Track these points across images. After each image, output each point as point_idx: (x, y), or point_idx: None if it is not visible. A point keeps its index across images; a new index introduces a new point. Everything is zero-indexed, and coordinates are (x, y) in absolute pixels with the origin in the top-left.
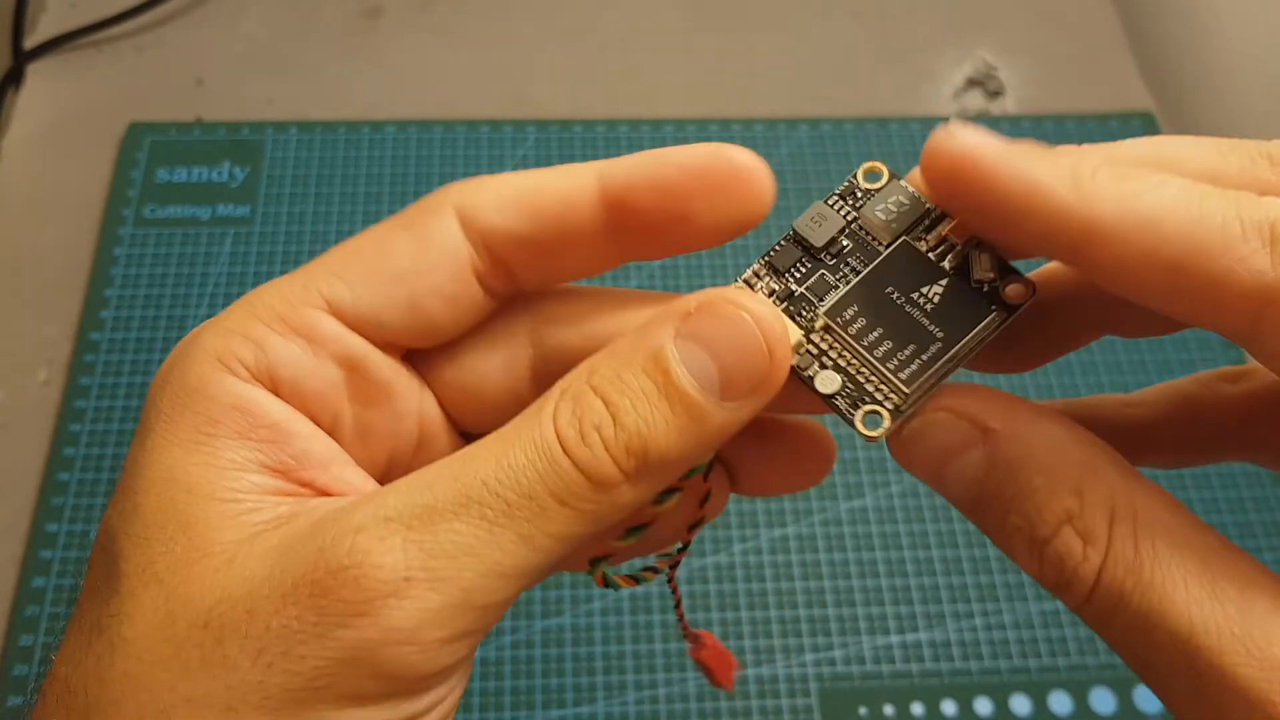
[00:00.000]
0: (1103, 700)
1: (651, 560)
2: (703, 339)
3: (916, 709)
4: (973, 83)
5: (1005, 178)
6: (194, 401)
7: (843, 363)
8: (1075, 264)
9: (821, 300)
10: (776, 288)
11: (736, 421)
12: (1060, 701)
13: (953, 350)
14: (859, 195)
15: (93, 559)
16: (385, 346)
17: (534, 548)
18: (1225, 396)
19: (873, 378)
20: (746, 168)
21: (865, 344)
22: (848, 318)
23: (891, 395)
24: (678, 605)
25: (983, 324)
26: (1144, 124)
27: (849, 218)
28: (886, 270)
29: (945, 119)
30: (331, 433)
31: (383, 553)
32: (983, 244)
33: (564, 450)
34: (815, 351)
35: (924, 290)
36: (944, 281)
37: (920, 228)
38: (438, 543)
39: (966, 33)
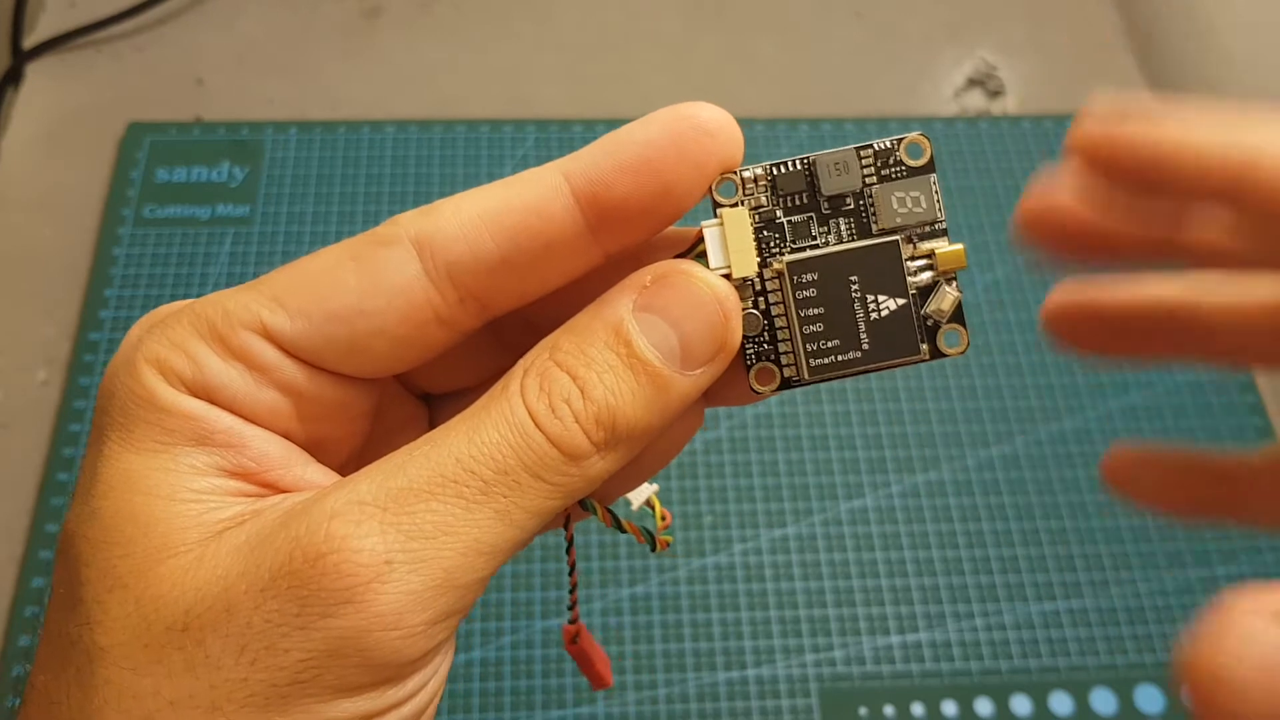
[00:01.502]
0: (1103, 700)
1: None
2: (661, 310)
3: (917, 709)
4: (973, 82)
5: (1170, 130)
6: (146, 411)
7: (773, 312)
8: (1230, 198)
9: (794, 246)
10: (764, 203)
11: (697, 389)
12: (1061, 702)
13: (866, 366)
14: (889, 165)
15: (56, 565)
16: (328, 371)
17: (511, 523)
18: None
19: (786, 343)
20: (712, 120)
21: (801, 315)
22: (804, 281)
23: (790, 368)
24: (573, 589)
25: (906, 357)
26: None
27: (868, 182)
28: (864, 257)
29: (946, 119)
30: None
31: (361, 536)
32: (954, 281)
33: (536, 424)
34: (757, 287)
35: (879, 299)
36: (900, 302)
37: (918, 234)
38: (415, 523)
39: (966, 32)
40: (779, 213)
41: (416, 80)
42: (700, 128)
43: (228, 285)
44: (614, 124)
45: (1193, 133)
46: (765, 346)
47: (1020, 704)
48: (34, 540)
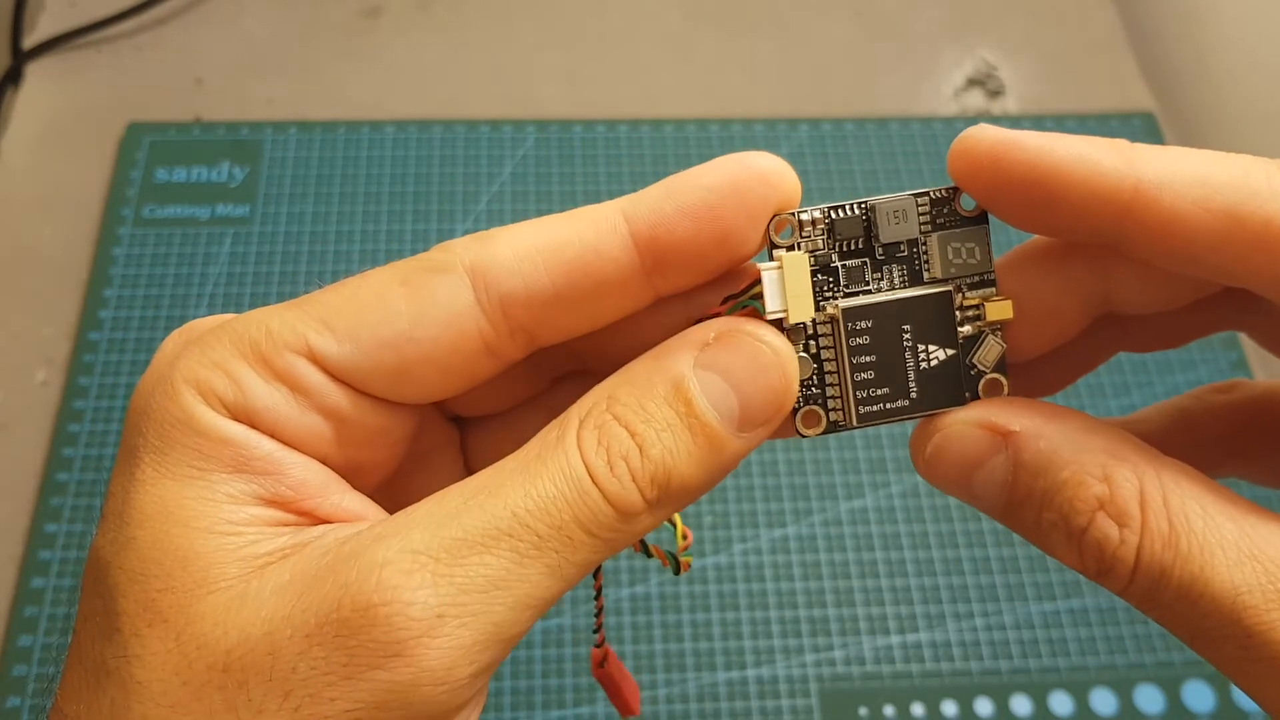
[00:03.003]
0: (1103, 701)
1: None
2: (723, 370)
3: (917, 709)
4: (973, 82)
5: (1052, 152)
6: (182, 435)
7: (823, 355)
8: (1119, 232)
9: (848, 291)
10: (821, 246)
11: (748, 449)
12: (1061, 702)
13: (913, 414)
14: (945, 214)
15: (86, 590)
16: (375, 399)
17: (560, 578)
18: (1215, 407)
19: (836, 388)
20: (773, 171)
21: (854, 361)
22: (858, 328)
23: (838, 413)
24: (599, 613)
25: (952, 406)
26: (1144, 123)
27: (924, 231)
28: (916, 307)
29: (946, 119)
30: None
31: (414, 589)
32: (1000, 333)
33: (594, 481)
34: (809, 331)
35: (930, 349)
36: (950, 352)
37: (968, 283)
38: (469, 577)
39: (967, 32)
40: (834, 257)
41: (416, 80)
42: (762, 177)
43: (227, 285)
44: (613, 124)
45: (1086, 150)
46: (814, 390)
47: (1020, 704)
48: (34, 540)
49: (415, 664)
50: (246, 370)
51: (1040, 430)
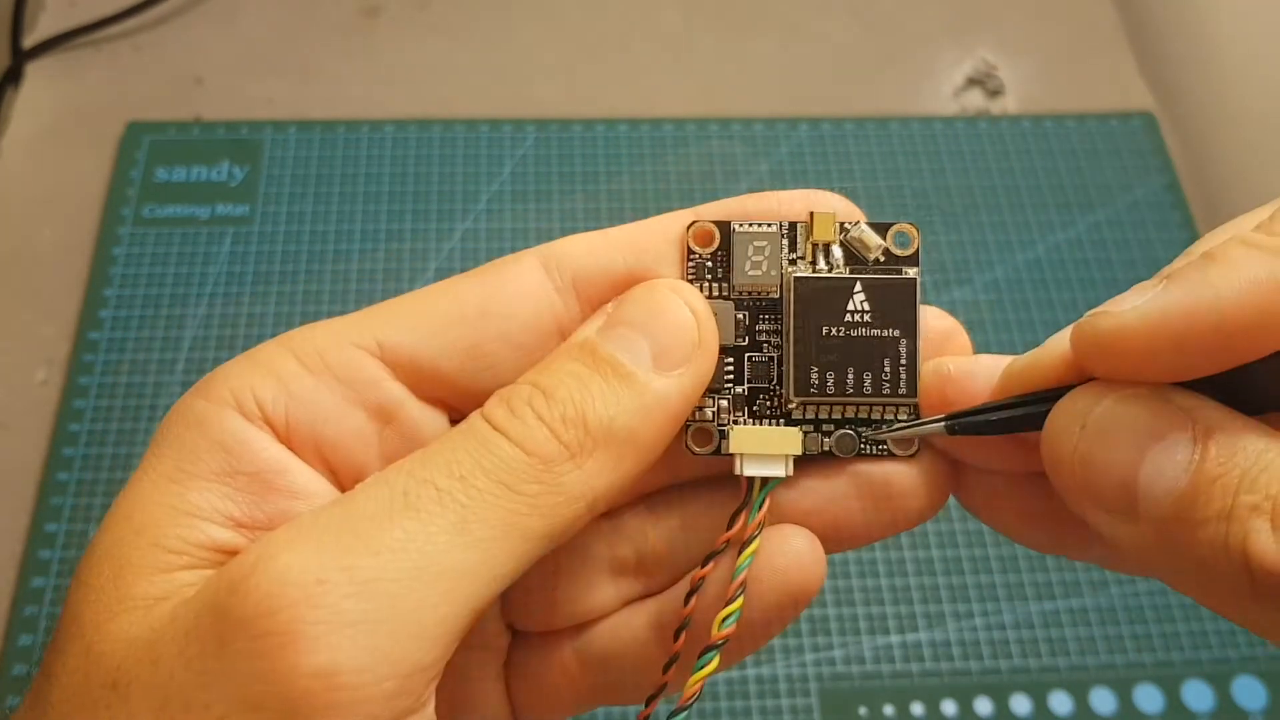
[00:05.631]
0: (1103, 700)
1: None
2: (625, 322)
3: (916, 709)
4: (973, 82)
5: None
6: (186, 432)
7: (839, 414)
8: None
9: (778, 385)
10: (725, 404)
11: (682, 391)
12: (1060, 701)
13: (917, 336)
14: (707, 269)
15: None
16: (435, 402)
17: (472, 539)
18: None
19: (875, 408)
20: (839, 212)
21: (849, 391)
22: (815, 383)
23: (903, 410)
24: None
25: (912, 291)
26: (1144, 123)
27: (726, 296)
28: (806, 312)
29: (946, 118)
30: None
31: (291, 553)
32: (844, 226)
33: (494, 427)
34: (815, 430)
35: (850, 307)
36: (857, 286)
37: (792, 254)
38: (356, 537)
39: (966, 32)
40: (737, 388)
41: (416, 79)
42: (825, 204)
43: (227, 285)
44: (613, 123)
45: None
46: (868, 437)
47: (1020, 703)
48: (33, 540)
49: (290, 644)
50: (295, 368)
51: (1224, 425)
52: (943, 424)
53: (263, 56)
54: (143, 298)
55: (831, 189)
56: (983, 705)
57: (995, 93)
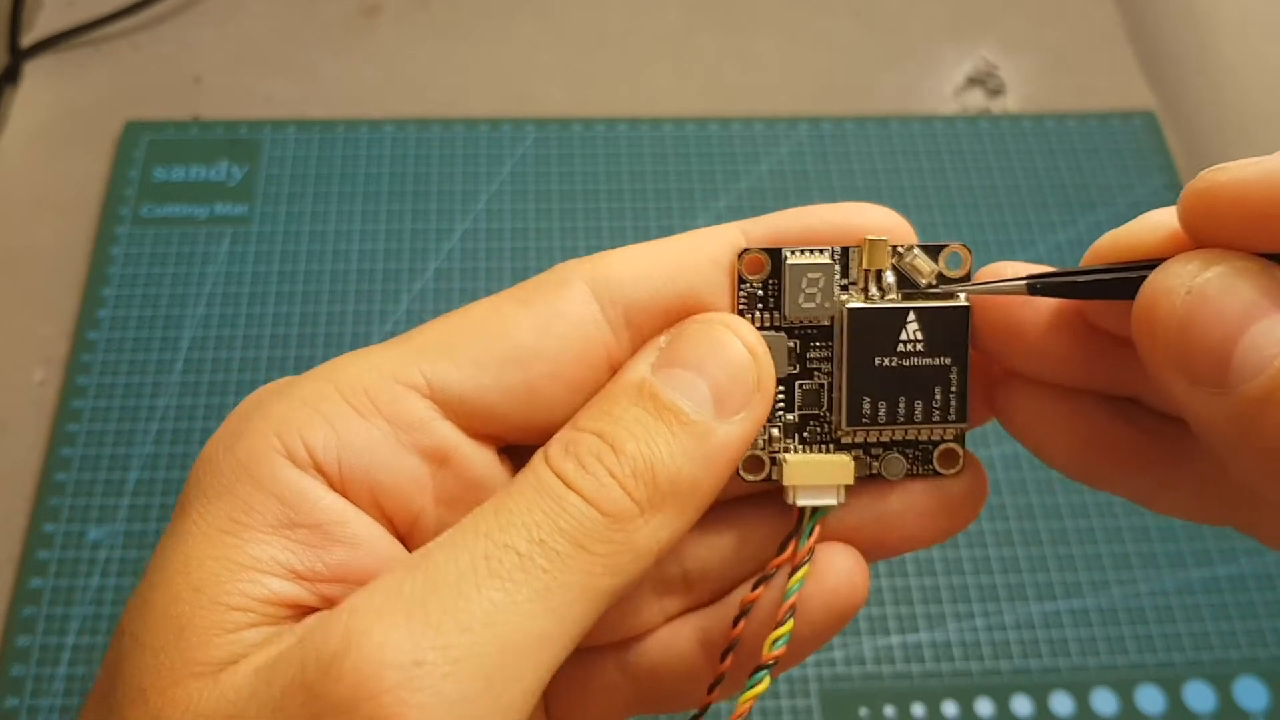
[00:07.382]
0: (1104, 701)
1: None
2: (682, 362)
3: (917, 710)
4: (973, 81)
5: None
6: (236, 483)
7: (889, 436)
8: None
9: (829, 411)
10: (776, 432)
11: (742, 435)
12: (1061, 702)
13: (965, 363)
14: (760, 297)
15: (105, 658)
16: (485, 439)
17: (554, 606)
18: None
19: (924, 434)
20: (884, 227)
21: (900, 420)
22: (867, 412)
23: (950, 431)
24: None
25: (964, 319)
26: (1145, 122)
27: (778, 326)
28: (859, 343)
29: (946, 117)
30: (407, 536)
31: (385, 630)
32: (897, 250)
33: (567, 484)
34: (864, 454)
35: (903, 336)
36: (910, 315)
37: (844, 280)
38: (445, 612)
39: (967, 31)
40: (790, 415)
41: (415, 79)
42: (872, 225)
43: (226, 285)
44: (613, 123)
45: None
46: (916, 459)
47: (1021, 704)
48: (31, 541)
49: None
50: (344, 409)
51: None
52: (1024, 283)
53: (262, 55)
54: (141, 298)
55: (832, 189)
56: (984, 706)
57: (996, 92)
